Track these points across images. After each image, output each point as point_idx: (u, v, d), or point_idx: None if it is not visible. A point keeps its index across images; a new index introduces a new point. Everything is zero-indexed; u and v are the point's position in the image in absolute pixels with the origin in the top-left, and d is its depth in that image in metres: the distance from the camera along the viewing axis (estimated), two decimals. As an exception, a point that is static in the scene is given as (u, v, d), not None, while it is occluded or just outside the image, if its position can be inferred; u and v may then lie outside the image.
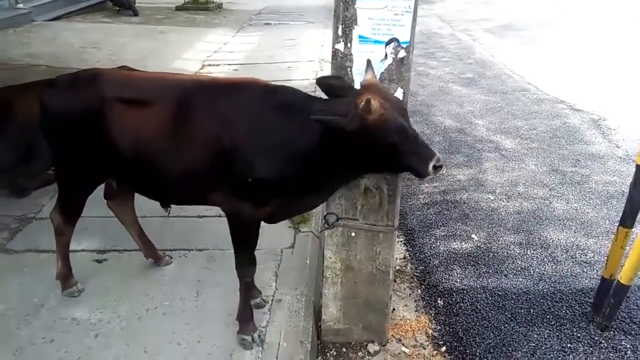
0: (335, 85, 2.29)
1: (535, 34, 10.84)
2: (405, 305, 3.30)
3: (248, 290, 2.76)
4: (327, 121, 2.12)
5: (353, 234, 2.72)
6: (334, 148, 2.21)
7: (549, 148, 5.40)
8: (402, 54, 2.30)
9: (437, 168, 2.15)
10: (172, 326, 2.85)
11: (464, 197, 4.47)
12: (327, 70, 8.19)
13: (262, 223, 2.67)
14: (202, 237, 3.59)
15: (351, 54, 2.33)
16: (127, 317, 2.92)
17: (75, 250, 3.50)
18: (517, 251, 3.73)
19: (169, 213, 3.01)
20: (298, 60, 8.69)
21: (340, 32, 2.30)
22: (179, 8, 13.50)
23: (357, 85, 2.35)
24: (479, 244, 3.82)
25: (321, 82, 2.30)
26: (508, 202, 4.38)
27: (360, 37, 2.29)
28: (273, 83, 2.50)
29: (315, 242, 3.70)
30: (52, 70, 7.44)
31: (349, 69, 2.36)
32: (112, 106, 2.50)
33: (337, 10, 2.28)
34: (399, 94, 2.37)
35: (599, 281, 3.13)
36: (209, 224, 3.76)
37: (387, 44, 2.28)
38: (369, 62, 2.23)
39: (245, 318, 2.74)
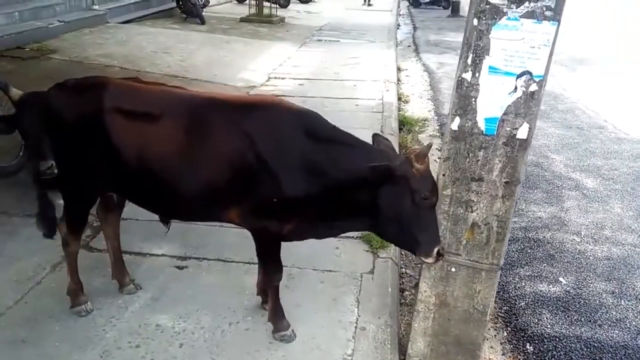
0: (386, 145, 2.53)
1: (607, 69, 10.49)
2: (491, 347, 3.14)
3: (278, 293, 2.81)
4: (381, 168, 2.26)
5: (453, 269, 2.60)
6: (357, 187, 2.35)
7: (633, 191, 5.14)
8: (533, 87, 2.19)
9: (439, 255, 2.33)
10: (256, 344, 2.80)
11: (547, 236, 4.27)
12: (392, 91, 8.18)
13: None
14: (283, 254, 3.54)
15: (478, 84, 2.23)
16: (210, 329, 2.88)
17: (157, 254, 3.54)
18: (611, 300, 3.51)
19: (168, 228, 2.89)
20: (363, 79, 8.67)
21: (469, 61, 2.21)
22: (243, 20, 13.79)
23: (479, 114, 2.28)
24: (567, 289, 3.62)
25: (376, 138, 2.57)
26: (595, 245, 4.16)
27: (490, 67, 2.19)
28: (302, 106, 2.61)
29: (394, 269, 3.60)
30: (126, 72, 7.67)
31: (473, 99, 2.26)
32: (115, 116, 2.43)
33: (469, 39, 2.19)
34: (524, 128, 2.27)
35: None
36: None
37: (519, 76, 2.19)
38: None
39: (279, 316, 2.81)
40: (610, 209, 4.77)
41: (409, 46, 13.14)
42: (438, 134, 6.72)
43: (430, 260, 2.36)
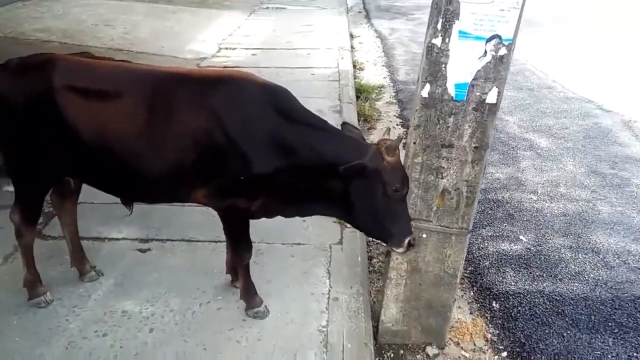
0: (355, 133, 2.50)
1: (552, 30, 10.72)
2: (459, 307, 3.21)
3: (248, 270, 2.78)
4: (354, 168, 2.21)
5: (424, 236, 2.62)
6: (327, 172, 2.30)
7: (584, 149, 5.34)
8: (502, 51, 2.18)
9: (410, 246, 2.36)
10: (229, 322, 2.76)
11: (505, 196, 4.39)
12: (347, 59, 8.08)
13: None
14: (250, 230, 3.47)
15: (448, 50, 2.19)
16: (180, 311, 2.81)
17: (117, 238, 3.39)
18: (569, 255, 3.66)
19: (131, 211, 2.75)
20: (316, 47, 8.51)
21: (439, 27, 2.16)
22: (188, -13, 13.15)
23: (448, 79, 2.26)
24: (528, 246, 3.75)
25: (345, 126, 2.50)
26: (552, 203, 4.31)
27: (460, 32, 2.16)
28: (267, 80, 2.47)
29: (363, 238, 3.60)
30: (66, 47, 7.20)
31: (443, 65, 2.23)
32: (68, 96, 2.25)
33: (438, 4, 2.13)
34: (493, 93, 2.26)
35: (658, 289, 3.08)
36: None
37: (488, 40, 2.16)
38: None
39: (251, 293, 2.79)
40: (564, 167, 4.94)
41: (359, 12, 12.98)
42: (395, 101, 6.73)
43: (401, 250, 2.38)
